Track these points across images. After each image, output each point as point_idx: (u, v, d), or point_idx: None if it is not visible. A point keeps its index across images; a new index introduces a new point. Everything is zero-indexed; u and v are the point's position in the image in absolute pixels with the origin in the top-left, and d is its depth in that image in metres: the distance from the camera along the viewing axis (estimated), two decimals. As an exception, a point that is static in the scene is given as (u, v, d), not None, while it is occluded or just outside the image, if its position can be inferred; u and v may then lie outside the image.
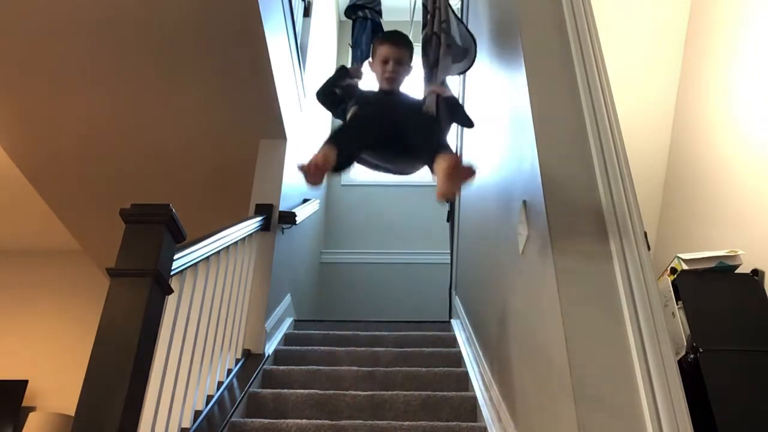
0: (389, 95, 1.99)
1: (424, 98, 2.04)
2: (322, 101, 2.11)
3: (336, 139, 1.68)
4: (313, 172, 1.54)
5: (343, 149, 1.63)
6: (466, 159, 1.58)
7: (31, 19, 2.73)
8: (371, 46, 2.19)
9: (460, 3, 4.05)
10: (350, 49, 2.84)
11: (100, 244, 4.45)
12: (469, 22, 3.64)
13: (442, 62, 2.11)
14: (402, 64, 1.97)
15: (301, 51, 3.84)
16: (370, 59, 2.06)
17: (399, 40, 2.00)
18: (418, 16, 2.88)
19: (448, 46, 2.14)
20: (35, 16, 2.71)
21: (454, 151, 1.68)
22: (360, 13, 2.83)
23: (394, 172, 2.09)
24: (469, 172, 1.51)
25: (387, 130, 1.81)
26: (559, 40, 1.61)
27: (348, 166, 1.72)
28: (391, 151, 1.92)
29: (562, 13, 1.65)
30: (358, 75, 2.12)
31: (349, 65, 2.31)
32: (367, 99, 2.00)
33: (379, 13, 2.90)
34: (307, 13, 4.25)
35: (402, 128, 1.80)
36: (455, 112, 2.00)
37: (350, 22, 3.00)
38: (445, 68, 2.11)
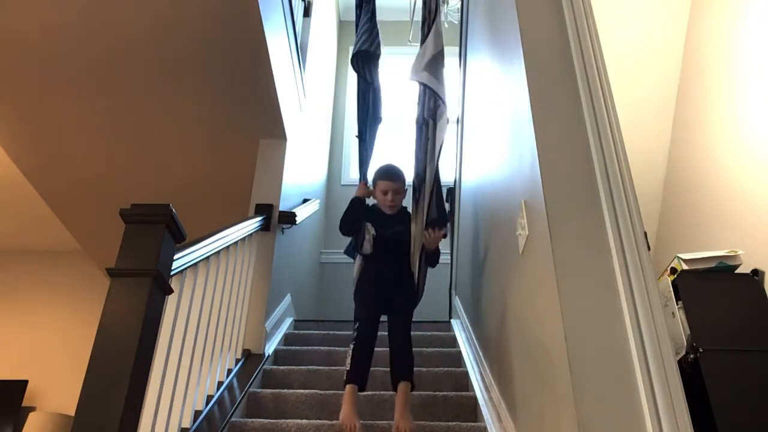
0: (392, 220, 2.46)
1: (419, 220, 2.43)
2: (347, 234, 2.51)
3: (354, 375, 2.24)
4: (358, 428, 2.10)
5: (362, 378, 2.25)
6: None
7: (30, 21, 2.73)
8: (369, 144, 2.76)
9: (460, 3, 4.05)
10: (357, 139, 2.90)
11: (100, 244, 4.45)
12: (469, 23, 3.65)
13: (429, 164, 2.43)
14: (399, 193, 2.44)
15: (301, 51, 3.84)
16: (372, 188, 2.50)
17: (395, 176, 2.45)
18: (418, 16, 2.88)
19: (437, 108, 2.42)
20: (34, 19, 2.71)
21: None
22: (357, 69, 2.83)
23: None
24: (412, 428, 2.11)
25: (381, 313, 2.44)
26: (559, 40, 1.61)
27: (367, 377, 2.29)
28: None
29: (562, 13, 1.65)
30: (369, 194, 2.53)
31: (357, 151, 2.86)
32: (377, 230, 2.45)
33: (378, 56, 2.87)
34: (307, 13, 4.25)
35: (392, 301, 2.40)
36: (432, 257, 2.42)
37: (351, 22, 2.99)
38: (432, 159, 2.43)
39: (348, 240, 2.61)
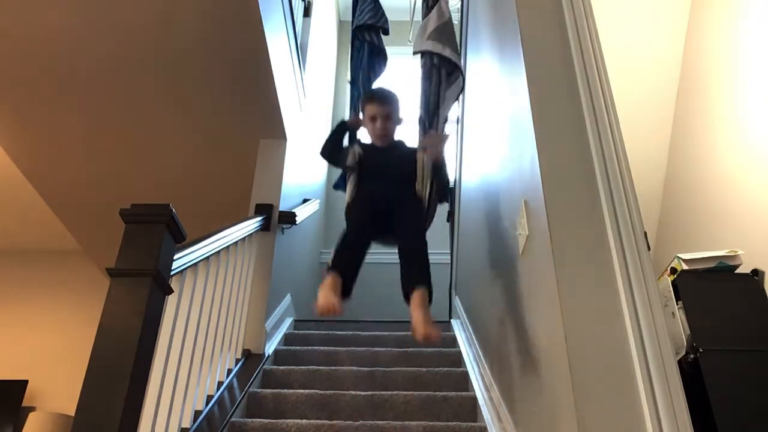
0: (384, 153, 2.12)
1: (421, 148, 2.13)
2: (328, 159, 2.23)
3: (337, 264, 1.82)
4: (329, 314, 1.74)
5: (348, 274, 1.81)
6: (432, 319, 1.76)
7: (30, 23, 2.73)
8: (360, 102, 2.32)
9: (459, 3, 4.05)
10: (348, 85, 2.81)
11: (100, 244, 4.45)
12: (469, 23, 3.65)
13: (442, 104, 2.18)
14: (391, 119, 2.09)
15: (301, 51, 3.84)
16: (361, 115, 2.17)
17: (384, 99, 2.10)
18: (418, 16, 2.88)
19: (449, 75, 2.19)
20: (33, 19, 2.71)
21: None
22: (360, 37, 2.79)
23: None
24: (438, 336, 1.69)
25: (382, 224, 1.97)
26: (560, 40, 1.61)
27: (354, 282, 1.87)
28: (384, 240, 2.07)
29: (562, 12, 1.65)
30: (357, 125, 2.24)
31: (348, 98, 2.39)
32: (365, 163, 2.13)
33: (385, 29, 2.83)
34: (307, 13, 4.25)
35: (393, 214, 1.97)
36: (437, 175, 2.07)
37: (350, 22, 2.99)
38: (445, 102, 2.19)
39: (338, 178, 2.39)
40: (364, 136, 2.29)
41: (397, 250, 1.92)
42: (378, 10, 2.82)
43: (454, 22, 2.37)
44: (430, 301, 1.77)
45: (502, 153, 2.12)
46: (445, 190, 2.13)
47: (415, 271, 1.81)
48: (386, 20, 2.79)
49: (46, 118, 3.41)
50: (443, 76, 2.17)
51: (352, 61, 2.78)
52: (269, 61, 2.97)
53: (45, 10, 2.68)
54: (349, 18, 3.33)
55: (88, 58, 2.98)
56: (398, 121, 2.14)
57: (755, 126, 2.76)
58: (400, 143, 2.18)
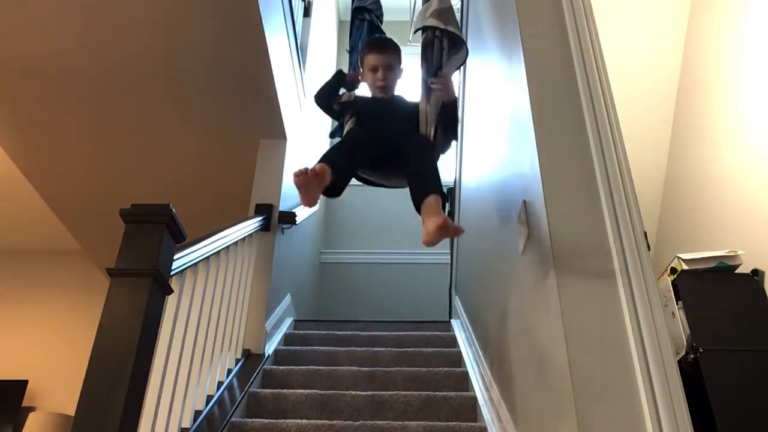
0: (384, 103, 2.00)
1: (426, 97, 2.01)
2: (320, 104, 2.12)
3: (330, 158, 1.70)
4: (309, 181, 1.56)
5: (337, 167, 1.66)
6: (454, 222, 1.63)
7: (30, 24, 2.74)
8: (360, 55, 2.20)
9: (459, 3, 4.05)
10: (347, 54, 2.80)
11: (100, 244, 4.45)
12: (469, 22, 3.65)
13: (445, 66, 2.05)
14: (392, 69, 2.00)
15: (301, 51, 3.84)
16: (360, 69, 2.07)
17: (384, 46, 2.02)
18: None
19: (450, 48, 2.09)
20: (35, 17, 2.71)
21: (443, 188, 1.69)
22: (360, 16, 2.82)
23: (390, 187, 2.08)
24: (457, 231, 1.54)
25: (381, 149, 1.83)
26: (559, 40, 1.61)
27: (342, 185, 1.72)
28: (386, 170, 1.93)
29: (562, 12, 1.65)
30: (356, 81, 2.14)
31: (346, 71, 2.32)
32: (364, 111, 2.02)
33: (380, 19, 2.90)
34: (307, 13, 4.26)
35: (396, 148, 1.81)
36: (447, 115, 1.93)
37: (350, 22, 3.00)
38: (448, 66, 2.07)
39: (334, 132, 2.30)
40: (363, 91, 2.17)
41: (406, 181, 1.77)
42: (378, 2, 2.85)
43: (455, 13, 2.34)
44: (443, 206, 1.63)
45: (502, 153, 2.12)
46: (455, 128, 2.01)
47: (425, 181, 1.68)
48: (382, 14, 2.82)
49: (45, 118, 3.41)
50: (445, 44, 2.06)
51: (351, 33, 2.76)
52: (269, 61, 2.97)
53: (46, 12, 2.68)
54: (349, 18, 3.34)
55: (88, 59, 2.98)
56: (399, 72, 2.05)
57: (755, 126, 2.76)
58: (401, 98, 2.08)
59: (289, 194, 3.64)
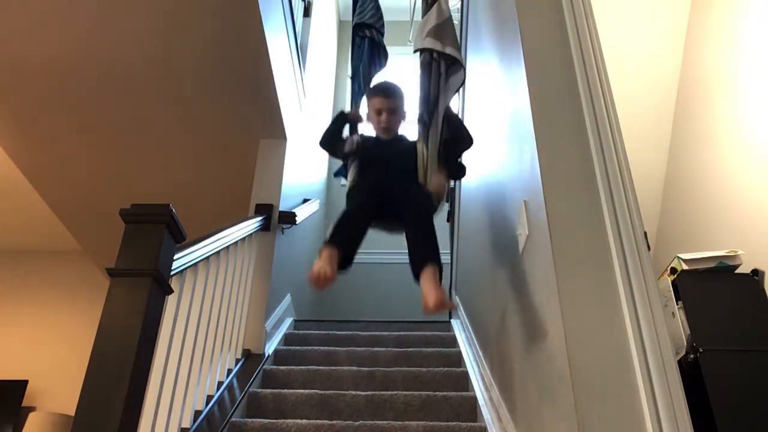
0: (386, 147, 2.11)
1: (424, 137, 2.12)
2: (326, 149, 2.21)
3: (335, 238, 1.77)
4: (322, 284, 1.64)
5: (344, 246, 1.75)
6: (446, 295, 1.70)
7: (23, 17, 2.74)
8: (364, 88, 2.33)
9: (459, 3, 4.05)
10: (348, 80, 2.78)
11: (100, 244, 4.45)
12: (469, 22, 3.65)
13: (442, 96, 2.14)
14: (395, 113, 2.08)
15: (301, 51, 3.84)
16: (356, 106, 2.20)
17: (389, 91, 2.10)
18: (418, 16, 2.88)
19: (448, 68, 2.16)
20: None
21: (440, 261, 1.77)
22: (360, 33, 2.80)
23: (392, 234, 2.12)
24: (452, 307, 1.56)
25: (382, 205, 1.93)
26: (559, 40, 1.61)
27: (352, 258, 1.80)
28: (387, 222, 2.03)
29: (562, 12, 1.65)
30: (358, 119, 2.24)
31: (348, 94, 2.35)
32: (366, 157, 2.13)
33: (381, 31, 2.87)
34: (307, 13, 4.25)
35: (397, 201, 1.91)
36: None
37: (351, 22, 3.00)
38: (445, 93, 2.16)
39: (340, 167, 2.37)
40: (365, 129, 2.27)
41: (402, 239, 1.88)
42: (379, 11, 2.84)
43: (454, 21, 2.36)
44: (440, 279, 1.73)
45: (502, 153, 2.12)
46: (460, 168, 2.13)
47: (423, 250, 1.78)
48: (383, 24, 2.81)
49: (45, 118, 3.41)
50: (442, 68, 2.14)
51: (352, 55, 2.77)
52: (269, 61, 2.97)
53: (46, 16, 2.68)
54: (349, 18, 3.34)
55: (88, 59, 2.98)
56: (403, 115, 2.14)
57: (755, 126, 2.76)
58: (403, 137, 2.17)
59: (289, 194, 3.64)
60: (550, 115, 1.50)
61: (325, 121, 5.11)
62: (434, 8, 2.30)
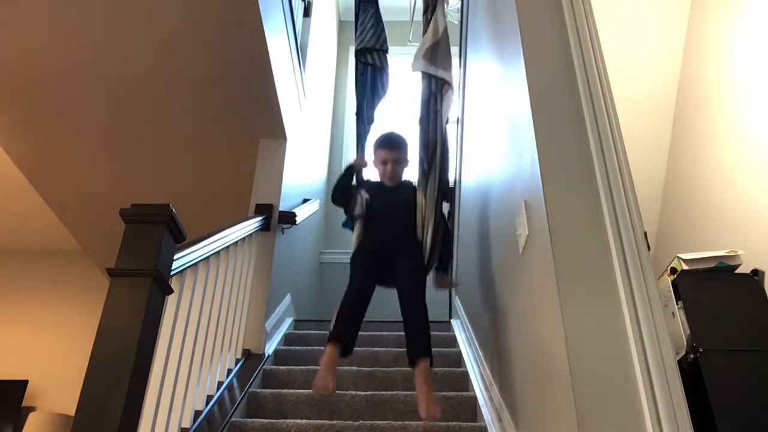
0: (389, 197, 2.33)
1: (422, 185, 2.27)
2: (339, 204, 2.39)
3: (340, 335, 2.02)
4: (333, 388, 1.94)
5: (347, 339, 2.03)
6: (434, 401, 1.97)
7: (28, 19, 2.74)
8: (368, 126, 2.64)
9: (459, 3, 4.05)
10: (355, 117, 2.88)
11: (100, 244, 4.45)
12: (469, 23, 3.65)
13: (440, 112, 2.31)
14: (399, 163, 2.32)
15: (301, 51, 3.84)
16: (374, 160, 2.39)
17: (395, 145, 2.33)
18: (418, 16, 2.88)
19: (442, 87, 2.33)
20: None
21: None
22: (363, 60, 2.87)
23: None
24: (439, 414, 1.92)
25: (381, 269, 2.19)
26: (559, 40, 1.61)
27: (355, 341, 2.08)
28: (383, 282, 2.25)
29: (562, 12, 1.65)
30: (363, 166, 2.44)
31: (354, 128, 2.77)
32: (373, 208, 2.33)
33: (384, 48, 2.91)
34: (307, 13, 4.25)
35: (394, 261, 2.18)
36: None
37: (351, 22, 3.00)
38: (443, 113, 2.32)
39: (345, 216, 2.55)
40: (370, 172, 2.47)
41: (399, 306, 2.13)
42: (379, 30, 2.89)
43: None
44: (431, 364, 2.01)
45: (502, 153, 2.12)
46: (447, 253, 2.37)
47: (419, 342, 2.03)
48: (386, 40, 2.87)
49: (46, 119, 3.41)
50: (439, 101, 2.32)
51: (356, 87, 2.89)
52: (269, 61, 2.97)
53: (46, 22, 2.68)
54: (349, 18, 3.35)
55: (88, 61, 2.98)
56: (406, 164, 2.36)
57: (755, 126, 2.76)
58: (406, 182, 2.37)
59: (289, 194, 3.64)
60: (550, 115, 1.50)
61: (326, 121, 5.13)
62: (430, 26, 2.44)
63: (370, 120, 2.72)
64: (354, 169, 2.39)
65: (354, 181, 2.43)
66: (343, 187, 2.35)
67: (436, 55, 2.35)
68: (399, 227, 2.26)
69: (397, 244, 2.21)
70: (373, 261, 2.20)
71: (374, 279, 2.17)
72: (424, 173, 2.26)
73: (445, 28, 2.44)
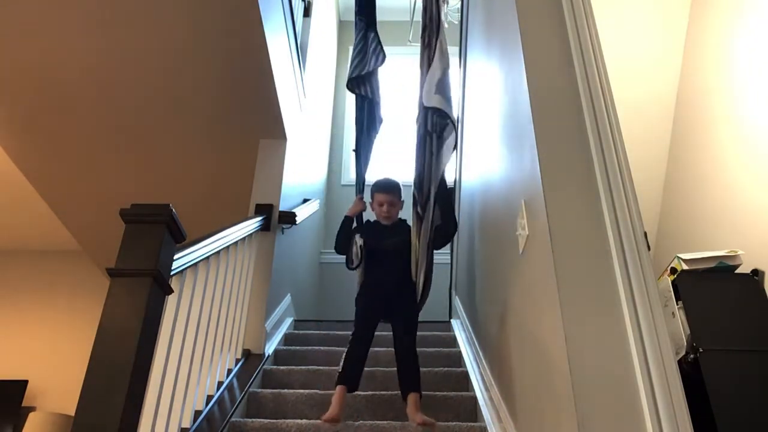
0: (386, 235, 2.59)
1: (417, 231, 2.46)
2: (343, 252, 2.64)
3: (349, 377, 2.32)
4: (339, 421, 2.19)
5: (354, 380, 2.32)
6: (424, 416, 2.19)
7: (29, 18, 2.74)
8: (364, 164, 2.91)
9: (459, 3, 4.05)
10: (354, 154, 3.04)
11: (100, 244, 4.45)
12: (469, 22, 3.65)
13: (434, 179, 2.44)
14: (394, 205, 2.62)
15: (301, 51, 3.84)
16: (371, 202, 2.66)
17: (390, 189, 2.62)
18: (418, 16, 2.88)
19: (441, 132, 2.45)
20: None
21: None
22: (357, 91, 2.98)
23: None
24: (429, 423, 2.15)
25: (383, 317, 2.55)
26: (559, 40, 1.61)
27: (360, 380, 2.36)
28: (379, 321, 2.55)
29: (562, 12, 1.65)
30: (363, 208, 2.75)
31: (352, 150, 2.99)
32: (371, 251, 2.58)
33: (372, 73, 2.98)
34: (307, 13, 4.25)
35: (392, 306, 2.50)
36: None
37: (351, 22, 3.02)
38: (438, 164, 2.44)
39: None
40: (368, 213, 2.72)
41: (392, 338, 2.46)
42: (362, 53, 2.99)
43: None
44: (420, 396, 2.29)
45: (502, 153, 2.12)
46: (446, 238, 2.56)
47: (410, 380, 2.32)
48: (378, 58, 2.97)
49: (46, 119, 3.41)
50: (435, 142, 2.45)
51: (356, 121, 3.05)
52: (269, 61, 2.97)
53: (45, 29, 2.68)
54: (350, 18, 3.35)
55: (91, 65, 2.98)
56: (401, 205, 2.65)
57: (755, 126, 2.75)
58: (401, 222, 2.65)
59: (289, 194, 3.64)
60: (550, 115, 1.50)
61: (326, 121, 5.12)
62: (437, 59, 2.51)
63: (367, 159, 2.95)
64: (351, 219, 2.68)
65: (354, 224, 2.70)
66: (344, 236, 2.63)
67: (446, 88, 2.49)
68: (396, 264, 2.52)
69: (395, 285, 2.50)
70: (374, 307, 2.50)
71: (375, 324, 2.49)
72: (419, 217, 2.46)
73: (447, 64, 2.54)
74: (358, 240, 2.59)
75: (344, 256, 2.67)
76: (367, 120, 2.96)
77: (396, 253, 2.53)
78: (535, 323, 1.52)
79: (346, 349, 2.38)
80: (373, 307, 2.50)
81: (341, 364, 2.34)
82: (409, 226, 2.56)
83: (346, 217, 2.69)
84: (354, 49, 3.09)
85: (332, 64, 5.76)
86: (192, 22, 2.79)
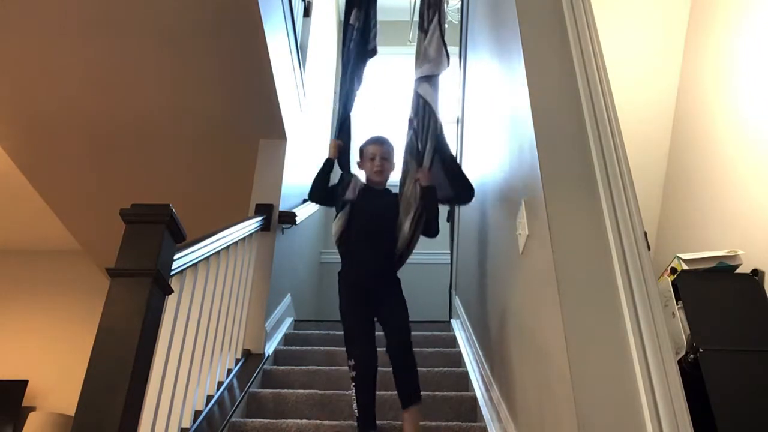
0: (373, 202, 2.29)
1: (403, 185, 2.29)
2: (318, 200, 2.42)
3: (365, 424, 2.11)
4: None
5: (372, 424, 2.13)
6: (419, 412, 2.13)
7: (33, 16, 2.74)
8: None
9: (460, 3, 4.05)
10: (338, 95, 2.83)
11: (100, 244, 4.45)
12: (469, 22, 3.65)
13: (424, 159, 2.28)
14: (387, 159, 2.32)
15: (301, 51, 3.84)
16: (359, 160, 2.38)
17: (382, 141, 2.35)
18: (417, 16, 2.88)
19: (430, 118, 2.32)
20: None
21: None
22: (348, 20, 2.75)
23: None
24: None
25: (371, 310, 2.27)
26: (559, 40, 1.61)
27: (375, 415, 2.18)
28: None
29: (562, 12, 1.65)
30: (339, 148, 2.40)
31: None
32: (356, 216, 2.26)
33: (373, 53, 2.72)
34: (307, 13, 4.25)
35: (380, 299, 2.25)
36: (429, 201, 2.22)
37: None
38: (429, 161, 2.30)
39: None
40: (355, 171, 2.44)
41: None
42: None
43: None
44: (420, 403, 2.15)
45: (502, 153, 2.12)
46: (433, 218, 2.26)
47: (408, 382, 2.17)
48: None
49: (46, 120, 3.41)
50: (431, 121, 2.30)
51: (342, 57, 2.73)
52: (269, 61, 2.97)
53: (46, 30, 2.69)
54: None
55: (89, 61, 2.98)
56: (392, 165, 2.37)
57: (755, 126, 2.75)
58: (389, 191, 2.37)
59: (289, 194, 3.64)
60: (550, 115, 1.50)
61: (326, 121, 5.12)
62: (437, 54, 2.39)
63: (351, 95, 2.58)
64: (332, 162, 2.37)
65: (340, 168, 2.42)
66: (323, 180, 2.34)
67: (435, 86, 2.37)
68: (380, 247, 2.24)
69: (378, 276, 2.24)
70: (359, 308, 2.24)
71: (372, 344, 2.26)
72: (406, 173, 2.30)
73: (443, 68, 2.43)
74: (359, 181, 2.31)
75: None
76: (357, 48, 2.64)
77: (381, 226, 2.25)
78: (535, 323, 1.52)
79: (353, 389, 2.15)
80: (361, 310, 2.26)
81: (354, 406, 2.13)
82: (396, 194, 2.32)
83: (327, 159, 2.38)
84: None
85: (332, 64, 5.76)
86: (192, 22, 2.79)
